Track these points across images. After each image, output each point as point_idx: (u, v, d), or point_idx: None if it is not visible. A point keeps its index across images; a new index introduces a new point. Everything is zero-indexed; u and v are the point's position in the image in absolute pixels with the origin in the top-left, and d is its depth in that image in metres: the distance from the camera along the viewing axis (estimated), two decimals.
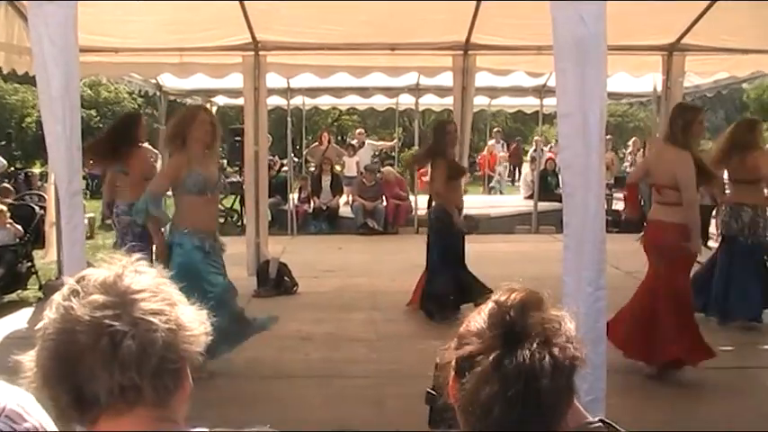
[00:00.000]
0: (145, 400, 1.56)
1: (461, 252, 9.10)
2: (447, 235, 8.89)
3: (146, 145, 9.11)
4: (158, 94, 14.42)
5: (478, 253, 11.17)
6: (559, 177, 10.27)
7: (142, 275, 1.64)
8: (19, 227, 10.56)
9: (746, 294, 8.27)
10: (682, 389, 6.70)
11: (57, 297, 1.60)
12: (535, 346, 1.55)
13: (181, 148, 6.70)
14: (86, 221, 16.03)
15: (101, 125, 28.66)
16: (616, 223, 17.32)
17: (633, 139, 20.57)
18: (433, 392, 1.75)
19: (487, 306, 1.66)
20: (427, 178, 11.01)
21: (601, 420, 1.77)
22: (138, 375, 1.54)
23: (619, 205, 18.97)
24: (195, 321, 1.64)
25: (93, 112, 29.22)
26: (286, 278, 10.45)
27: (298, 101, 17.82)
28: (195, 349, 1.63)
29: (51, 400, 1.60)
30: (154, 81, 13.69)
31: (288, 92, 15.77)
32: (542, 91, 15.13)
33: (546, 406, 1.54)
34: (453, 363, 1.65)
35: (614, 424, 1.77)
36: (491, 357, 1.55)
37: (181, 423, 1.65)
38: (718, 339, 7.39)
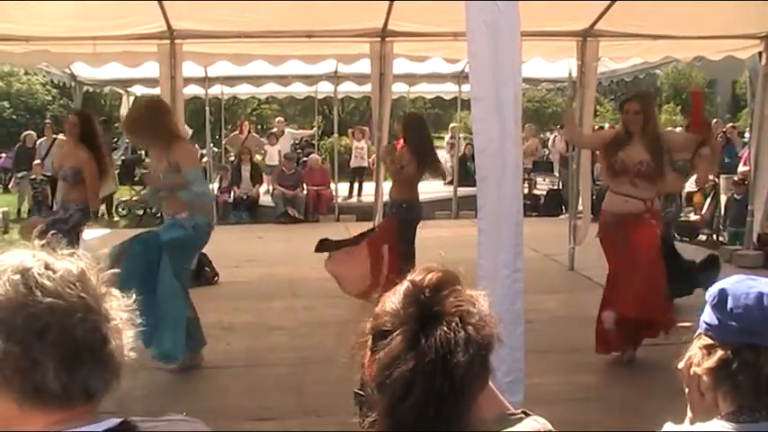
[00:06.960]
0: None
1: None
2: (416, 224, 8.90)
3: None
4: (73, 84, 14.05)
5: None
6: None
7: None
8: None
9: None
10: (604, 367, 6.86)
11: None
12: (449, 324, 1.56)
13: None
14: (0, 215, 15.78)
15: (14, 117, 28.42)
16: (535, 207, 17.66)
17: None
18: (361, 393, 1.71)
19: (403, 285, 1.67)
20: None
21: (523, 412, 1.79)
22: None
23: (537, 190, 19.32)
24: None
25: (5, 104, 29.18)
26: (206, 268, 10.35)
27: (216, 90, 17.62)
28: None
29: None
30: (68, 71, 13.35)
31: (206, 81, 15.56)
32: (460, 77, 15.16)
33: (461, 383, 1.55)
34: (369, 342, 1.65)
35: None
36: (406, 336, 1.56)
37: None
38: None
